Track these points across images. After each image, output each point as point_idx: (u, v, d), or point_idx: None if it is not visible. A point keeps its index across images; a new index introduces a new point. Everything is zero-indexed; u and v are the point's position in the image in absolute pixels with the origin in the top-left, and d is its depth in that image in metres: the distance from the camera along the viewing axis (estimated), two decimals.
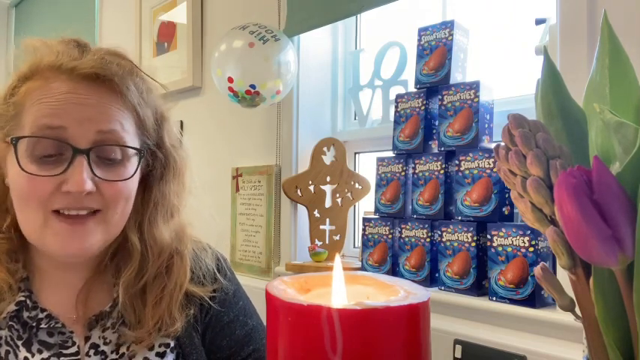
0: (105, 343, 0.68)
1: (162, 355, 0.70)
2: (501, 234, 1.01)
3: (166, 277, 0.71)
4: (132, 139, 0.67)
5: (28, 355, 0.64)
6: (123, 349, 0.69)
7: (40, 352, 0.65)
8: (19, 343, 0.65)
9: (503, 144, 0.40)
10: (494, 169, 1.04)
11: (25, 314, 0.65)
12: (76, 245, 0.63)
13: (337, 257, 0.35)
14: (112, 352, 0.68)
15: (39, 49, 0.67)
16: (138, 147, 0.68)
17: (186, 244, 0.76)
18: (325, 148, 1.47)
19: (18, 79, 0.66)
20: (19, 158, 0.61)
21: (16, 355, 0.64)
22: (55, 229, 0.62)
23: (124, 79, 0.66)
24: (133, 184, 0.68)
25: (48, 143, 0.61)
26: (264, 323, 0.80)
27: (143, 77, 0.71)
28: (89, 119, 0.63)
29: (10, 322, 0.65)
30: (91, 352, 0.67)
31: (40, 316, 0.66)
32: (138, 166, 0.68)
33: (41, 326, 0.66)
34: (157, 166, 0.73)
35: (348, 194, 1.48)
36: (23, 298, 0.66)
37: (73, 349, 0.66)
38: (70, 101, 0.62)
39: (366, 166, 1.56)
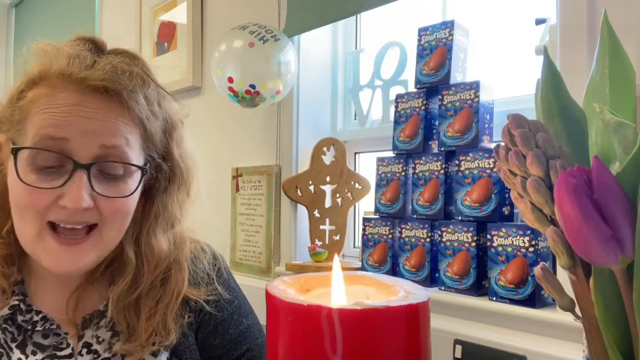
0: (98, 342, 0.68)
1: (155, 353, 0.70)
2: (501, 234, 1.01)
3: (162, 289, 0.71)
4: (136, 155, 0.66)
5: (22, 357, 0.64)
6: (115, 348, 0.68)
7: (34, 353, 0.65)
8: (13, 345, 0.64)
9: (503, 144, 0.40)
10: (495, 169, 1.04)
11: (20, 318, 0.65)
12: (68, 264, 0.63)
13: (336, 257, 0.35)
14: (104, 351, 0.68)
15: (49, 53, 0.65)
16: (141, 164, 0.67)
17: (185, 252, 0.75)
18: (325, 148, 1.47)
19: (26, 83, 0.64)
20: (18, 168, 0.61)
21: (9, 357, 0.64)
22: (48, 246, 0.62)
23: (134, 93, 0.64)
24: (133, 200, 0.67)
25: (49, 155, 0.61)
26: (261, 323, 0.80)
27: (156, 87, 0.69)
28: (93, 132, 0.62)
29: (4, 325, 0.65)
30: (84, 350, 0.67)
31: (36, 318, 0.66)
32: (140, 183, 0.67)
33: (37, 329, 0.65)
34: (161, 178, 0.72)
35: (348, 194, 1.47)
36: (17, 302, 0.66)
37: (68, 351, 0.66)
38: (76, 113, 0.61)
39: (366, 166, 1.56)
